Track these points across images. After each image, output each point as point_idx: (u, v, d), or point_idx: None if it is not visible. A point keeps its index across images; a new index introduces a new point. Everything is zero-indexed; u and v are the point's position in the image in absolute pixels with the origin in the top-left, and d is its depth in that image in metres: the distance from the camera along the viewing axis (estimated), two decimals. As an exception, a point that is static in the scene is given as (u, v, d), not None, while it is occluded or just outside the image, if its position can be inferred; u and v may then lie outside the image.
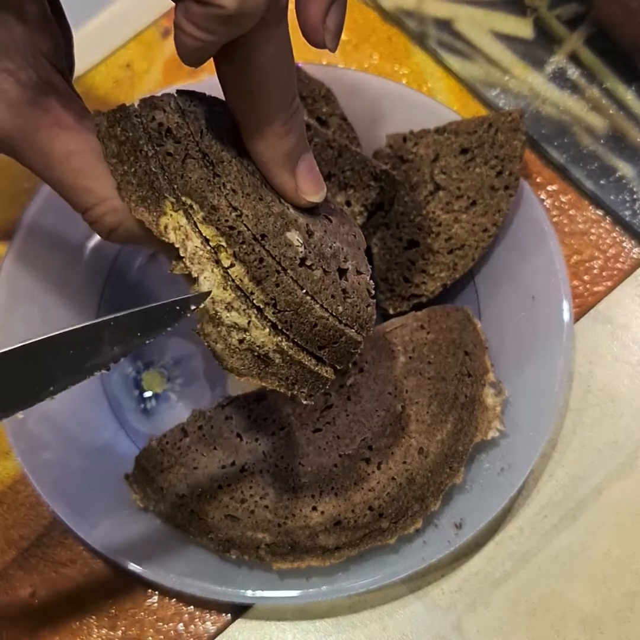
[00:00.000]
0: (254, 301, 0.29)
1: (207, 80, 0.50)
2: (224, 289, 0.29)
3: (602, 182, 0.51)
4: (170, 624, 0.44)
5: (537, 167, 0.51)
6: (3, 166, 0.52)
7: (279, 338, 0.30)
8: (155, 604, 0.44)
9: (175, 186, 0.29)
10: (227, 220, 0.29)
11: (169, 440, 0.42)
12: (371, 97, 0.49)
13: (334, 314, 0.31)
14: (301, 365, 0.31)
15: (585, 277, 0.49)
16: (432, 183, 0.46)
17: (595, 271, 0.49)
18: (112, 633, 0.44)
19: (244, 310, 0.29)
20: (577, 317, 0.48)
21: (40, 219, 0.47)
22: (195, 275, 0.29)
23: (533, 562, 0.44)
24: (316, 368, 0.31)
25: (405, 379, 0.42)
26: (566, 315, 0.44)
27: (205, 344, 0.30)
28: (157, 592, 0.44)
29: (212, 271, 0.29)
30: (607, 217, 0.50)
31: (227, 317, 0.29)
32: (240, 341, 0.29)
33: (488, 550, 0.44)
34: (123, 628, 0.44)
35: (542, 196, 0.51)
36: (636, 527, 0.45)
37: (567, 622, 0.43)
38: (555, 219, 0.50)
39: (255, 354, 0.30)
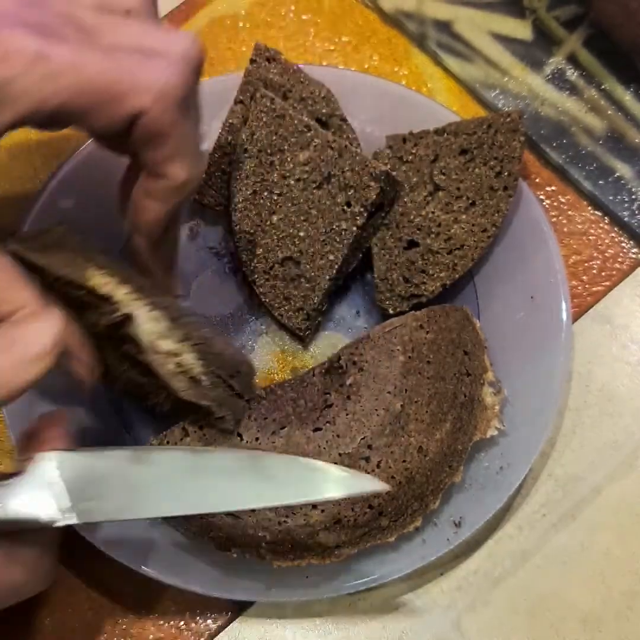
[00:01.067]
0: (176, 334, 0.36)
1: (209, 83, 0.50)
2: (156, 321, 0.35)
3: (600, 182, 0.51)
4: (171, 622, 0.44)
5: (536, 168, 0.52)
6: (4, 168, 0.53)
7: (201, 362, 0.37)
8: (157, 602, 0.44)
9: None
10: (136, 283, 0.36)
11: (170, 439, 0.42)
12: (371, 98, 0.49)
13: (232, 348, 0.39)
14: (221, 388, 0.38)
15: (584, 277, 0.50)
16: (431, 184, 0.47)
17: (594, 271, 0.50)
18: (113, 631, 0.44)
19: (173, 340, 0.35)
20: (576, 317, 0.49)
21: (42, 222, 0.48)
22: (129, 313, 0.35)
23: (532, 561, 0.44)
24: (231, 394, 0.40)
25: (405, 378, 0.43)
26: (565, 315, 0.45)
27: (153, 369, 0.35)
28: (158, 591, 0.44)
29: (140, 310, 0.35)
30: (605, 218, 0.50)
31: (163, 345, 0.35)
32: (177, 365, 0.36)
33: (487, 549, 0.45)
34: (124, 626, 0.44)
35: (541, 196, 0.51)
36: (635, 526, 0.45)
37: (566, 621, 0.43)
38: (554, 219, 0.50)
39: (188, 376, 0.37)
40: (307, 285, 0.46)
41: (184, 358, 0.36)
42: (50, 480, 0.33)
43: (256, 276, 0.47)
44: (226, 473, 0.36)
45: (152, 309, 0.35)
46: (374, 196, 0.44)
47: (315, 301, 0.46)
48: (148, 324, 0.35)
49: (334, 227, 0.45)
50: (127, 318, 0.35)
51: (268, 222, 0.46)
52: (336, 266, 0.46)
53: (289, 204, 0.46)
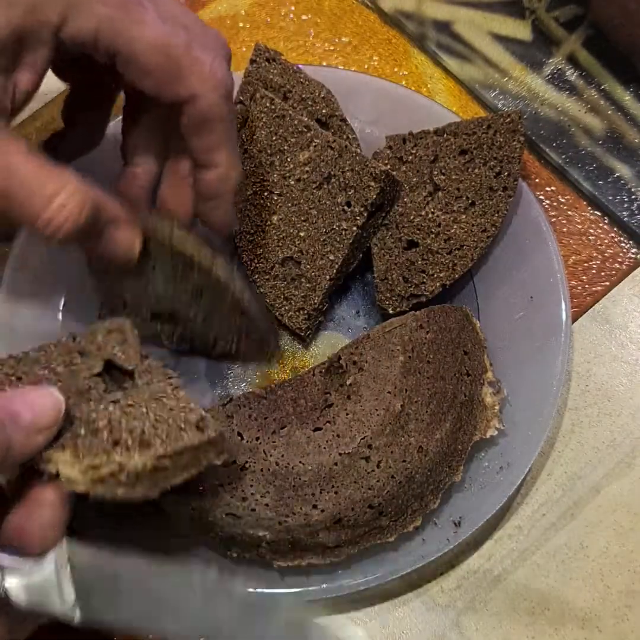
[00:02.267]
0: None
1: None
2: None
3: (600, 182, 0.51)
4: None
5: (536, 168, 0.52)
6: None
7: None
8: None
9: None
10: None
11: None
12: (371, 98, 0.49)
13: None
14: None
15: (584, 277, 0.50)
16: (431, 184, 0.47)
17: (593, 271, 0.50)
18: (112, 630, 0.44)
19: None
20: (576, 317, 0.49)
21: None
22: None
23: (532, 560, 0.44)
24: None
25: (405, 378, 0.43)
26: (564, 315, 0.45)
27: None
28: (158, 590, 0.44)
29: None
30: (605, 218, 0.51)
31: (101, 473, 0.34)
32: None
33: (487, 548, 0.45)
34: (125, 625, 0.44)
35: (541, 197, 0.51)
36: (634, 525, 0.45)
37: (565, 620, 0.43)
38: (553, 220, 0.51)
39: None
40: (307, 285, 0.46)
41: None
42: (62, 576, 0.33)
43: (256, 276, 0.47)
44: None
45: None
46: (374, 196, 0.45)
47: (315, 301, 0.46)
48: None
49: (334, 227, 0.45)
50: None
51: (268, 222, 0.46)
52: (336, 266, 0.46)
53: (289, 204, 0.46)
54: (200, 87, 0.36)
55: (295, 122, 0.46)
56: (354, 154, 0.45)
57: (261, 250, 0.47)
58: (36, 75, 0.36)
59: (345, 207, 0.45)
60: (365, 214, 0.45)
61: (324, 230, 0.46)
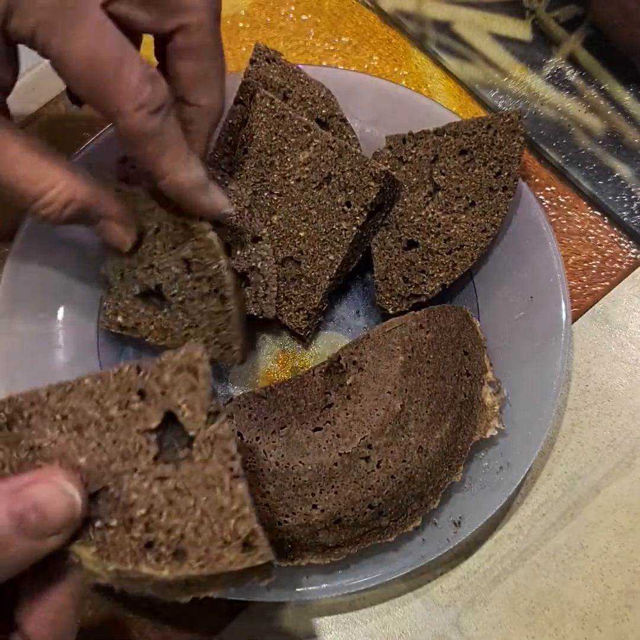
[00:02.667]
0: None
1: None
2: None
3: (600, 182, 0.51)
4: (172, 622, 0.44)
5: (536, 168, 0.52)
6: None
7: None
8: (157, 602, 0.44)
9: None
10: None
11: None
12: (371, 98, 0.49)
13: None
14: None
15: (584, 277, 0.50)
16: (431, 184, 0.47)
17: (593, 271, 0.50)
18: (113, 630, 0.44)
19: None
20: (575, 317, 0.49)
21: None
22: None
23: (531, 559, 0.44)
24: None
25: (405, 378, 0.43)
26: (564, 315, 0.45)
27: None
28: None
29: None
30: (605, 218, 0.51)
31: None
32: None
33: (487, 548, 0.45)
34: (124, 626, 0.44)
35: (541, 197, 0.51)
36: (634, 525, 0.45)
37: (565, 620, 0.43)
38: (553, 220, 0.51)
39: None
40: (307, 285, 0.46)
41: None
42: None
43: None
44: None
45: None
46: (374, 196, 0.45)
47: (315, 301, 0.46)
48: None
49: (334, 227, 0.45)
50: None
51: (268, 222, 0.46)
52: (336, 266, 0.46)
53: (289, 204, 0.46)
54: (193, 17, 0.37)
55: (295, 122, 0.46)
56: (354, 154, 0.45)
57: None
58: None
59: (345, 207, 0.45)
60: (365, 214, 0.45)
61: (324, 230, 0.46)
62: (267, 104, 0.46)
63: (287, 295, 0.47)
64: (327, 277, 0.46)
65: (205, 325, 0.43)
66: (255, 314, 0.46)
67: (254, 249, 0.46)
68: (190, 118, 0.40)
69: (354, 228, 0.45)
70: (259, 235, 0.46)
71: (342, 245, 0.45)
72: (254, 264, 0.46)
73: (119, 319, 0.45)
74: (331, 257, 0.46)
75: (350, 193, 0.45)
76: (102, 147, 0.47)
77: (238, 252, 0.46)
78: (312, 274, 0.46)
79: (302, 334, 0.47)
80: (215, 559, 0.30)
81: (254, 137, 0.46)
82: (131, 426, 0.32)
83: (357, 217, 0.45)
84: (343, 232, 0.45)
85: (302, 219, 0.46)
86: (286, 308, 0.47)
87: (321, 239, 0.46)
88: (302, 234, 0.46)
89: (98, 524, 0.31)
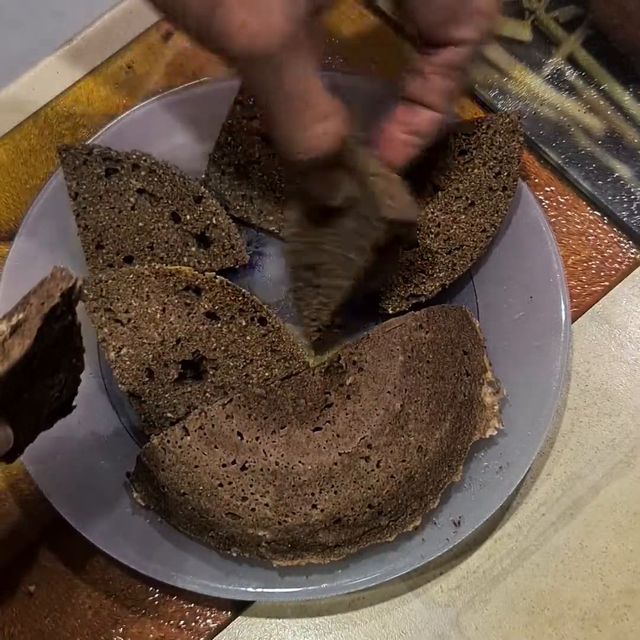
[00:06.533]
0: None
1: (210, 83, 0.50)
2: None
3: (599, 182, 0.51)
4: (171, 621, 0.44)
5: (535, 168, 0.52)
6: (6, 167, 0.53)
7: None
8: (157, 602, 0.44)
9: None
10: None
11: (170, 438, 0.42)
12: (371, 99, 0.49)
13: None
14: None
15: (583, 278, 0.50)
16: (431, 184, 0.47)
17: (592, 271, 0.50)
18: (113, 630, 0.44)
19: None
20: (575, 317, 0.49)
21: (42, 219, 0.48)
22: None
23: (531, 559, 0.44)
24: None
25: (404, 378, 0.43)
26: (564, 315, 0.45)
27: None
28: (158, 590, 0.44)
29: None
30: (604, 218, 0.51)
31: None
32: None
33: (486, 548, 0.45)
34: (124, 625, 0.44)
35: (540, 197, 0.51)
36: (634, 524, 0.45)
37: (565, 620, 0.44)
38: (553, 220, 0.51)
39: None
40: (321, 299, 0.45)
41: None
42: None
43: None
44: None
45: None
46: (381, 238, 0.42)
47: (323, 319, 0.45)
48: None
49: (347, 255, 0.43)
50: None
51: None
52: (342, 291, 0.44)
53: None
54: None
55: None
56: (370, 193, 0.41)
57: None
58: None
59: (357, 239, 0.42)
60: (372, 254, 0.42)
61: (340, 251, 0.43)
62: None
63: (305, 299, 0.46)
64: (337, 297, 0.44)
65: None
66: (230, 265, 0.46)
67: (200, 208, 0.46)
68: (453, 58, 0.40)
69: (362, 262, 0.42)
70: (200, 194, 0.46)
71: (349, 274, 0.43)
72: (207, 222, 0.46)
73: None
74: (340, 281, 0.44)
75: (362, 222, 0.42)
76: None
77: (188, 217, 0.46)
78: (327, 290, 0.45)
79: (308, 341, 0.47)
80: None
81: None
82: None
83: (365, 254, 0.42)
84: (351, 263, 0.43)
85: (329, 231, 0.44)
86: (303, 312, 0.46)
87: (338, 260, 0.44)
88: (326, 246, 0.44)
89: None
